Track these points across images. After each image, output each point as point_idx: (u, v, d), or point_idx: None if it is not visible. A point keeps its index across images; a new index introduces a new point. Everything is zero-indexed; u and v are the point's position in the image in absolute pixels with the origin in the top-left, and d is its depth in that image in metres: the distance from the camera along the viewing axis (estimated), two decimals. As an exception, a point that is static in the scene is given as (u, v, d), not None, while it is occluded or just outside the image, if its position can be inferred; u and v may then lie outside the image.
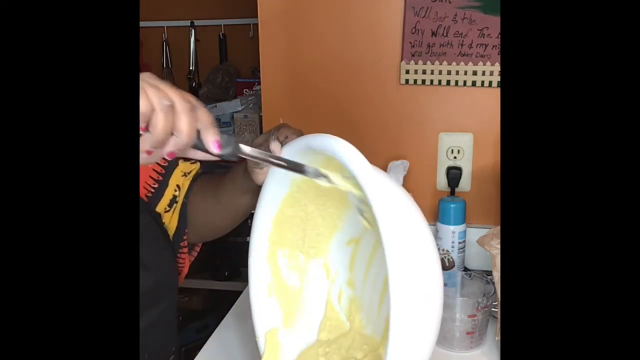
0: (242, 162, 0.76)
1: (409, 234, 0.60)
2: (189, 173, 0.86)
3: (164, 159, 0.82)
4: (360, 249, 0.78)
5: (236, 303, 1.02)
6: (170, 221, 0.83)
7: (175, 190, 0.83)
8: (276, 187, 0.73)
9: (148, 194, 0.81)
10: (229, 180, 0.80)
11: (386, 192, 0.59)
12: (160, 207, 0.82)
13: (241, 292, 1.06)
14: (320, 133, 0.65)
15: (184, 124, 0.53)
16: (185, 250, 0.86)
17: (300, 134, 0.70)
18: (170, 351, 0.84)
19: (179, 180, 0.84)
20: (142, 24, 2.31)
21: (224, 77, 2.39)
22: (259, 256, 0.74)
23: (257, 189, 0.75)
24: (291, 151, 0.68)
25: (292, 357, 0.74)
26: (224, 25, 2.46)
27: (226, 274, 2.10)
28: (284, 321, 0.75)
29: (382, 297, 0.75)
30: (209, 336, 0.92)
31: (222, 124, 2.24)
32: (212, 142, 0.55)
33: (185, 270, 0.88)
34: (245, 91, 2.28)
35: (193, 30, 2.49)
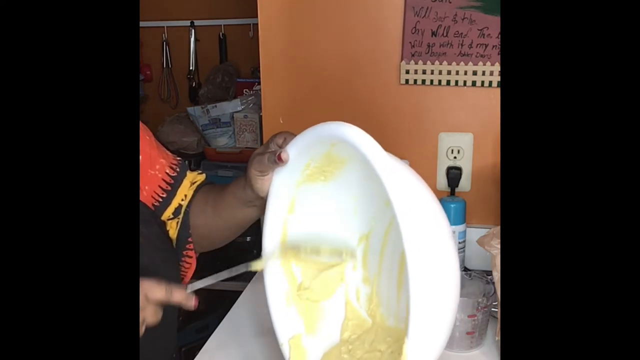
0: (242, 174, 0.76)
1: (423, 214, 0.61)
2: (194, 183, 0.86)
3: (171, 168, 0.83)
4: (370, 244, 0.78)
5: (236, 303, 1.02)
6: (174, 230, 0.83)
7: (182, 200, 0.83)
8: (282, 193, 0.73)
9: (155, 203, 0.81)
10: (229, 193, 0.79)
11: (400, 176, 0.60)
12: (165, 216, 0.83)
13: (241, 292, 1.06)
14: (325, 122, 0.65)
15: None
16: (189, 260, 0.86)
17: (294, 135, 0.70)
18: (170, 357, 0.84)
19: (187, 190, 0.84)
20: (142, 24, 2.31)
21: (224, 77, 2.39)
22: (273, 265, 0.74)
23: (257, 201, 0.75)
24: (298, 146, 0.68)
25: (316, 359, 0.75)
26: (224, 25, 2.46)
27: (226, 274, 2.10)
28: (306, 327, 0.75)
29: (399, 285, 0.75)
30: (209, 336, 0.92)
31: (222, 123, 2.24)
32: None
33: (188, 278, 0.88)
34: (245, 91, 2.28)
35: (193, 30, 2.49)
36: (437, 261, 0.61)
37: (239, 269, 0.70)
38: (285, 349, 0.73)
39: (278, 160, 0.68)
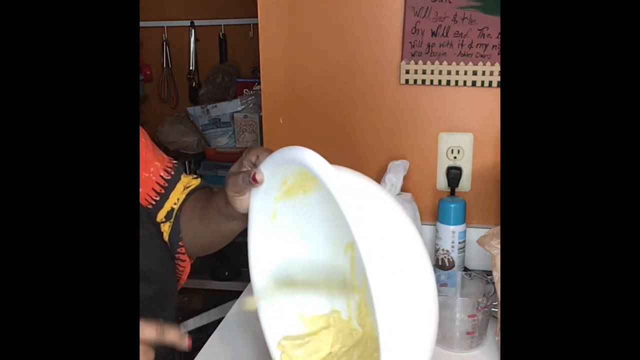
0: (223, 190, 0.75)
1: (382, 229, 0.60)
2: (187, 187, 0.86)
3: (166, 171, 0.83)
4: (357, 252, 0.78)
5: (236, 303, 1.01)
6: (166, 233, 0.84)
7: (175, 204, 0.84)
8: (262, 210, 0.72)
9: (148, 206, 0.82)
10: (213, 207, 0.79)
11: (353, 191, 0.59)
12: (158, 219, 0.83)
13: (241, 292, 1.06)
14: (292, 145, 0.64)
15: None
16: (182, 263, 0.86)
17: (270, 152, 0.69)
18: (167, 357, 0.84)
19: (179, 194, 0.84)
20: (142, 24, 2.31)
21: (224, 77, 2.39)
22: (262, 281, 0.74)
23: (240, 216, 0.74)
24: (269, 167, 0.67)
25: None
26: (224, 25, 2.46)
27: (226, 274, 2.10)
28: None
29: None
30: (209, 336, 0.92)
31: (222, 123, 2.24)
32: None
33: (183, 280, 0.88)
34: (245, 91, 2.28)
35: (193, 30, 2.49)
36: (407, 284, 0.59)
37: (231, 306, 0.70)
38: None
39: (253, 181, 0.67)
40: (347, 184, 0.59)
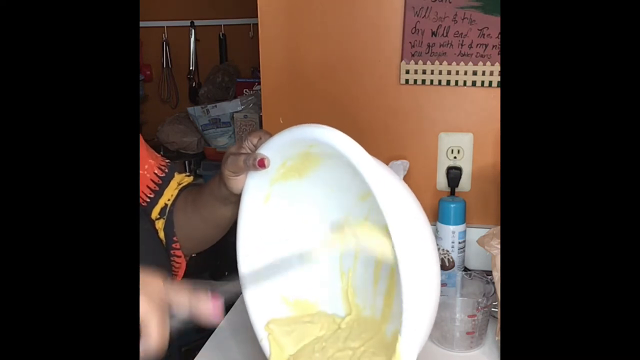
0: (217, 175, 0.75)
1: (409, 216, 0.62)
2: (180, 184, 0.86)
3: (160, 169, 0.83)
4: (344, 238, 0.78)
5: (236, 303, 1.02)
6: (161, 229, 0.84)
7: (168, 200, 0.84)
8: (256, 191, 0.72)
9: (143, 203, 0.82)
10: (206, 192, 0.79)
11: (387, 180, 0.61)
12: (152, 216, 0.83)
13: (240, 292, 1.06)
14: (303, 124, 0.65)
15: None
16: (178, 259, 0.86)
17: (271, 135, 0.69)
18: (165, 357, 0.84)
19: (173, 190, 0.85)
20: (142, 24, 2.31)
21: (224, 77, 2.39)
22: (249, 264, 0.74)
23: (232, 198, 0.74)
24: (272, 147, 0.67)
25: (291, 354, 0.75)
26: (224, 25, 2.46)
27: (226, 273, 2.10)
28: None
29: (375, 280, 0.76)
30: (209, 336, 0.92)
31: (222, 123, 2.24)
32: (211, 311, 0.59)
33: (179, 278, 0.88)
34: (245, 91, 2.28)
35: (193, 30, 2.49)
36: (422, 257, 0.62)
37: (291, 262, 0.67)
38: (265, 344, 0.73)
39: (259, 166, 0.66)
40: (371, 162, 0.61)
